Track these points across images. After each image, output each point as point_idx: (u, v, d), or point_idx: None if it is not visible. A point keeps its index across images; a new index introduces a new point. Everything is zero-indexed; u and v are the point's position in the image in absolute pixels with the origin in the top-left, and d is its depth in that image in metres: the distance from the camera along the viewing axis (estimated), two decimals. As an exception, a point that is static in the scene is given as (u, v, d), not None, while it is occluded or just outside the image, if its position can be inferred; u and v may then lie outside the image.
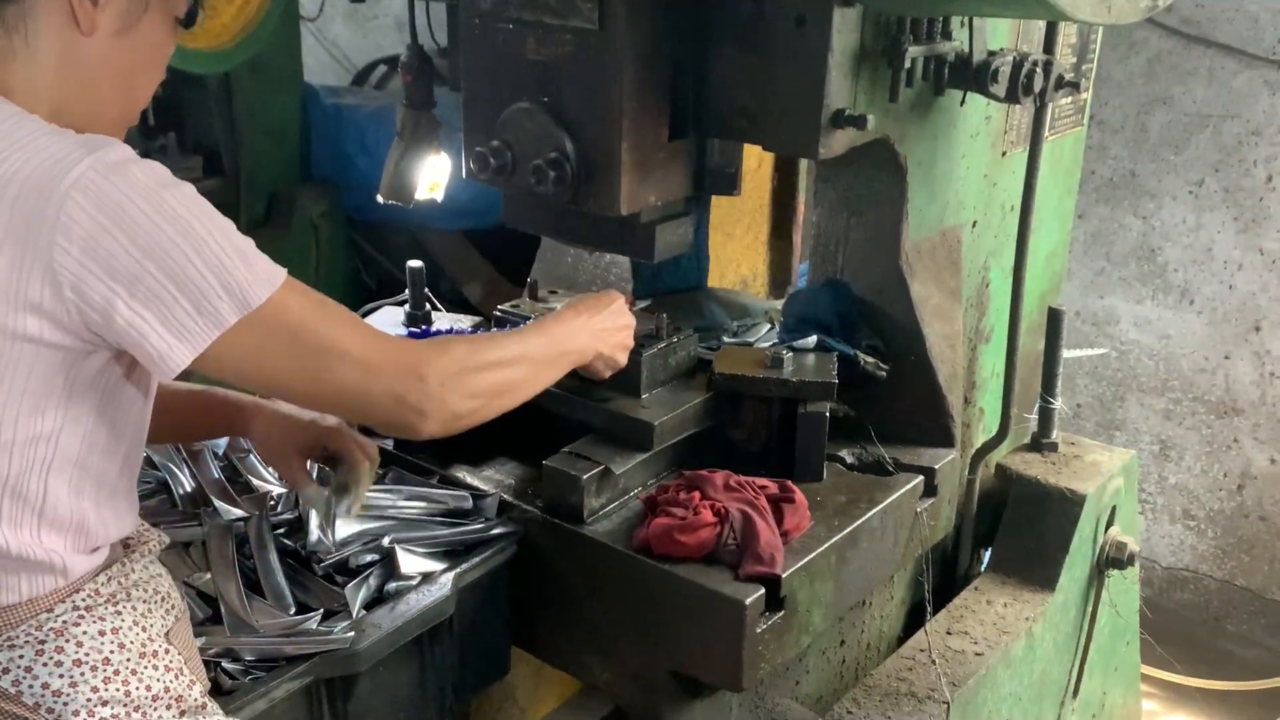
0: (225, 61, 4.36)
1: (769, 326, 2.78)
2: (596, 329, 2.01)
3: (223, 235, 1.42)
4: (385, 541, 2.09)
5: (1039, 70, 2.24)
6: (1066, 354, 2.85)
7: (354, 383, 1.56)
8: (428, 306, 2.61)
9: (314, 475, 2.08)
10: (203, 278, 1.39)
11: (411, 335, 2.49)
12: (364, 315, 2.67)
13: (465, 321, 2.58)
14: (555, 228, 2.32)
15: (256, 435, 2.07)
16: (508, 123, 2.15)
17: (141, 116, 4.53)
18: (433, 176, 2.59)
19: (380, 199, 2.60)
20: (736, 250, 3.57)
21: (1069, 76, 2.37)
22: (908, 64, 2.08)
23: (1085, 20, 1.80)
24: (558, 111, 2.09)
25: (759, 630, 1.99)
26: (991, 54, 2.21)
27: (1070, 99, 2.64)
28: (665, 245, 2.25)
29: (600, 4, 1.98)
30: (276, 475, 2.26)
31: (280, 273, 1.48)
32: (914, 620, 2.71)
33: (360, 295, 4.43)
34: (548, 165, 2.09)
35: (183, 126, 4.57)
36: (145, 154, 3.86)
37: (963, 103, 2.30)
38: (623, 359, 2.12)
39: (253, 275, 1.44)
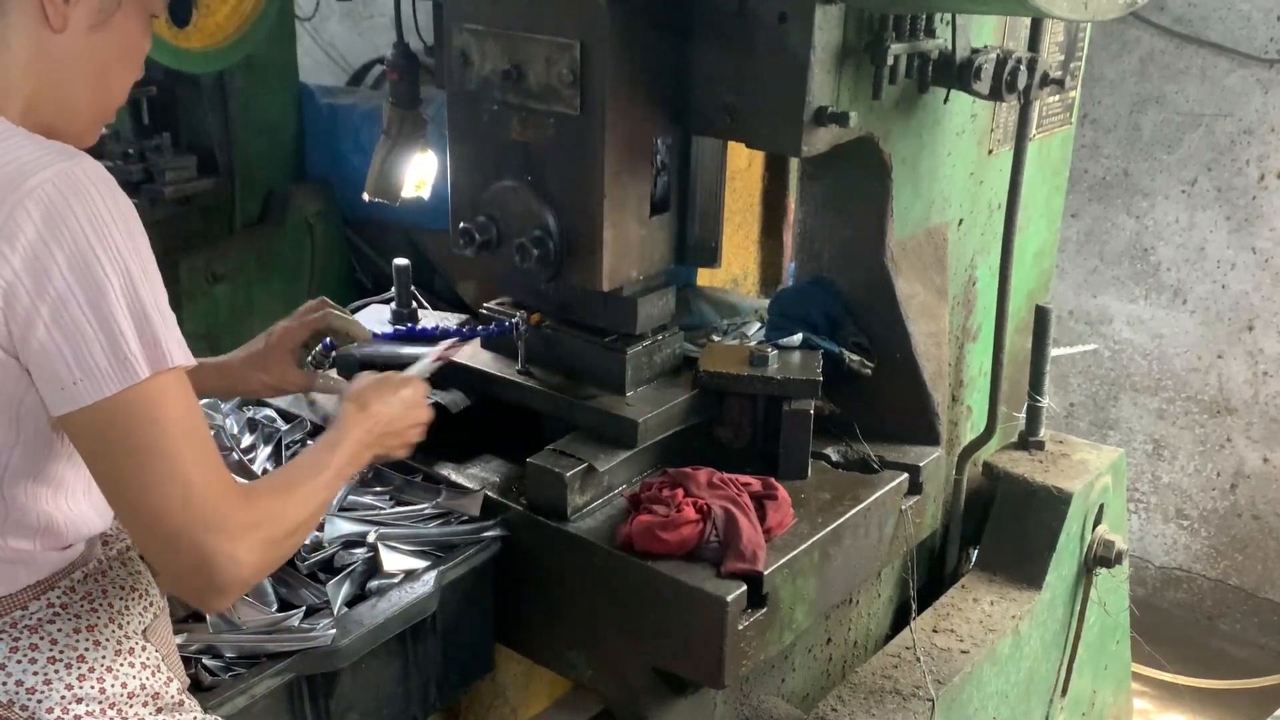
0: (220, 61, 4.36)
1: (758, 325, 2.78)
2: (380, 432, 1.82)
3: (153, 292, 1.37)
4: (370, 539, 2.10)
5: (1023, 68, 2.24)
6: (1055, 352, 2.85)
7: (172, 515, 1.38)
8: (414, 304, 2.61)
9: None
10: (125, 321, 1.34)
11: (398, 333, 2.49)
12: (352, 314, 2.66)
13: (451, 320, 2.58)
14: (540, 297, 2.41)
15: (261, 381, 2.12)
16: (492, 199, 2.23)
17: (136, 116, 4.53)
18: (419, 175, 2.59)
19: (366, 197, 2.60)
20: (727, 249, 3.54)
21: (1055, 74, 2.37)
22: (890, 61, 2.09)
23: (1062, 17, 1.80)
24: (541, 190, 2.17)
25: (741, 627, 1.99)
26: (975, 51, 2.21)
27: (1058, 97, 2.64)
28: (647, 317, 2.32)
29: (581, 91, 2.06)
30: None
31: (191, 360, 1.41)
32: (901, 618, 2.71)
33: (355, 293, 4.44)
34: (531, 244, 2.17)
35: (177, 126, 4.56)
36: (140, 153, 3.86)
37: (946, 100, 2.30)
38: (401, 453, 1.93)
39: (169, 341, 1.38)
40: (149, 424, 1.37)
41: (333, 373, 2.24)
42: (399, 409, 1.86)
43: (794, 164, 3.49)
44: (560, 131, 2.12)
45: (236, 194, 4.70)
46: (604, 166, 2.09)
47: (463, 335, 2.44)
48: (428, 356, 2.22)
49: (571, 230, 2.17)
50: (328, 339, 2.23)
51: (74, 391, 1.34)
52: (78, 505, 1.53)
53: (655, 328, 2.36)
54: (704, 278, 3.31)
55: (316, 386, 2.20)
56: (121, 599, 1.58)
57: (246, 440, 2.42)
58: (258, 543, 1.44)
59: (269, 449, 2.39)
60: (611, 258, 2.17)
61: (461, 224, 2.25)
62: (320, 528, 2.10)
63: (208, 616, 1.89)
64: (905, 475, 2.38)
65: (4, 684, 1.46)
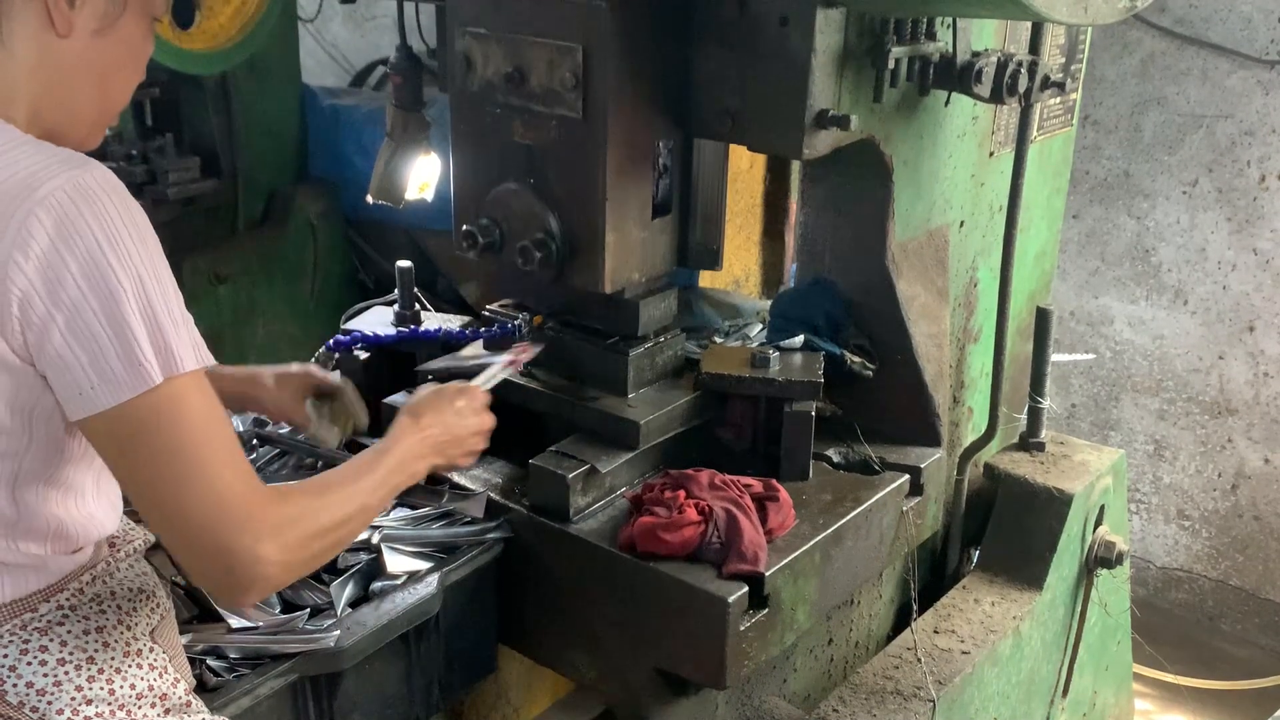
0: (223, 62, 4.38)
1: (760, 327, 2.79)
2: (435, 443, 1.84)
3: (166, 298, 1.38)
4: (373, 540, 2.11)
5: (1023, 71, 2.25)
6: (1055, 358, 2.86)
7: (200, 516, 1.40)
8: (417, 306, 2.62)
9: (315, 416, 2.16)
10: (139, 327, 1.35)
11: (400, 335, 2.50)
12: (354, 315, 2.68)
13: (454, 321, 2.59)
14: (542, 299, 2.42)
15: (269, 399, 2.13)
16: (495, 201, 2.23)
17: (139, 117, 4.54)
18: (422, 177, 2.60)
19: (370, 199, 2.61)
20: (729, 250, 3.55)
21: (1056, 77, 2.37)
22: (891, 64, 2.10)
23: (1062, 20, 1.81)
24: (543, 192, 2.18)
25: (742, 628, 2.00)
26: (976, 54, 2.22)
27: (1058, 99, 2.65)
28: (649, 319, 2.33)
29: (584, 95, 2.06)
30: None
31: (208, 360, 1.43)
32: (903, 619, 2.72)
33: (357, 294, 4.46)
34: (534, 245, 2.17)
35: (180, 127, 4.57)
36: (143, 154, 3.87)
37: (947, 103, 2.31)
38: (466, 462, 1.95)
39: (182, 345, 1.39)
40: (169, 427, 1.38)
41: (324, 422, 2.17)
42: (454, 418, 1.88)
43: (795, 166, 3.50)
44: (563, 134, 2.13)
45: (239, 195, 4.72)
46: (606, 169, 2.10)
47: (407, 337, 2.47)
48: (495, 364, 2.19)
49: (574, 233, 2.18)
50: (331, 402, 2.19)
51: (91, 397, 1.35)
52: (88, 508, 1.54)
53: (657, 329, 2.37)
54: (706, 279, 3.32)
55: (309, 431, 2.16)
56: (130, 600, 1.59)
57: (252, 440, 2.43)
58: (287, 542, 1.45)
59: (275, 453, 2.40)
60: (613, 260, 2.18)
61: (465, 226, 2.26)
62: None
63: (223, 613, 1.91)
64: (906, 476, 2.39)
65: (14, 685, 1.46)
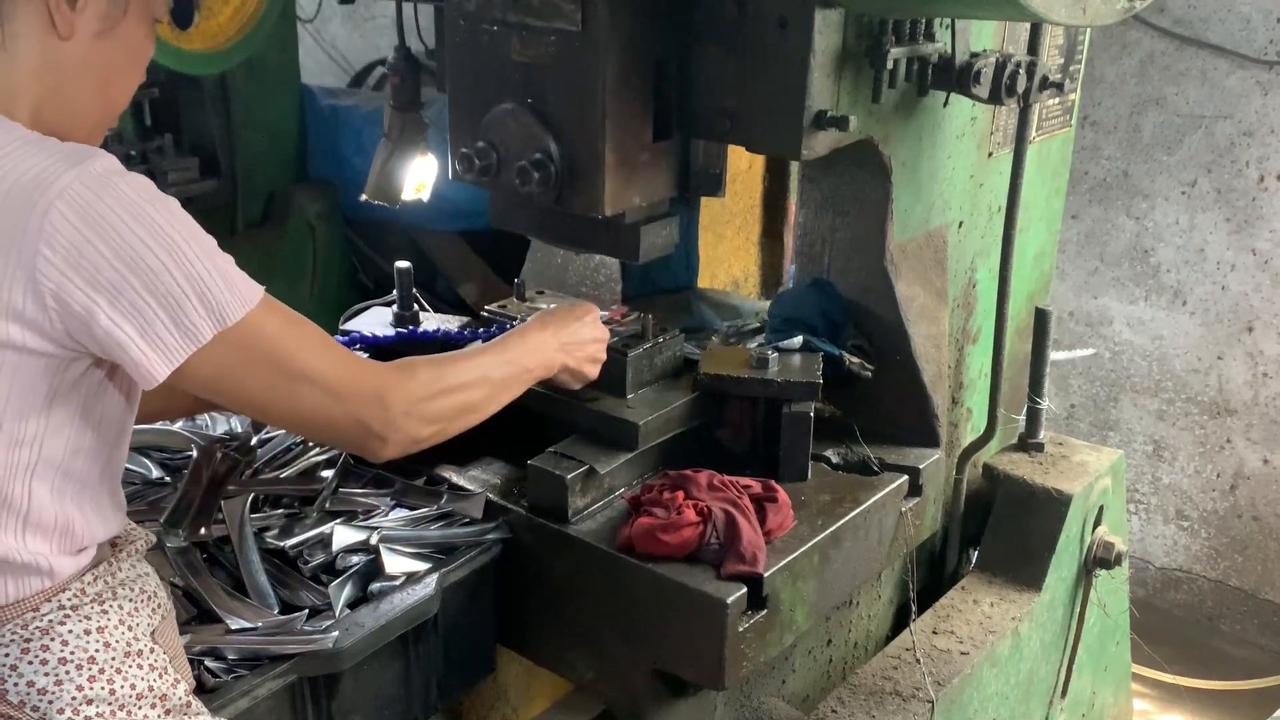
0: (222, 62, 4.38)
1: (759, 328, 2.79)
2: (563, 342, 2.02)
3: (204, 252, 1.45)
4: (372, 541, 2.11)
5: (1022, 71, 2.25)
6: (1055, 356, 2.86)
7: (321, 408, 1.60)
8: (415, 307, 2.62)
9: None
10: (182, 293, 1.42)
11: (399, 335, 2.50)
12: (353, 316, 2.68)
13: (453, 322, 2.59)
14: (540, 228, 2.34)
15: None
16: (492, 124, 2.16)
17: (138, 117, 4.55)
18: (419, 177, 2.60)
19: (366, 199, 2.61)
20: (727, 251, 3.58)
21: (1054, 77, 2.37)
22: (890, 65, 2.10)
23: (1060, 21, 1.81)
24: (542, 112, 2.11)
25: (741, 629, 2.00)
26: (975, 55, 2.22)
27: (1057, 100, 2.65)
28: (650, 246, 2.26)
29: (582, 6, 2.00)
30: None
31: (257, 291, 1.51)
32: (902, 620, 2.72)
33: (357, 294, 4.46)
34: (532, 166, 2.10)
35: (179, 127, 4.58)
36: (142, 155, 3.88)
37: (946, 104, 2.31)
38: (592, 371, 2.11)
39: (231, 293, 1.46)
40: (253, 359, 1.53)
41: None
42: (578, 325, 2.05)
43: (795, 166, 3.50)
44: (561, 50, 2.05)
45: (238, 195, 4.73)
46: (606, 86, 2.03)
47: (406, 338, 2.48)
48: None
49: (572, 153, 2.10)
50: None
51: (148, 368, 1.43)
52: (96, 507, 1.56)
53: (657, 329, 2.36)
54: (705, 280, 3.32)
55: None
56: (131, 601, 1.60)
57: (254, 439, 2.43)
58: (413, 398, 1.68)
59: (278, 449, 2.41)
60: (613, 182, 2.10)
61: (461, 149, 2.19)
62: (329, 536, 2.12)
63: (222, 614, 1.92)
64: (905, 477, 2.39)
65: (15, 685, 1.47)
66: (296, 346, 1.57)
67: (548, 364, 2.03)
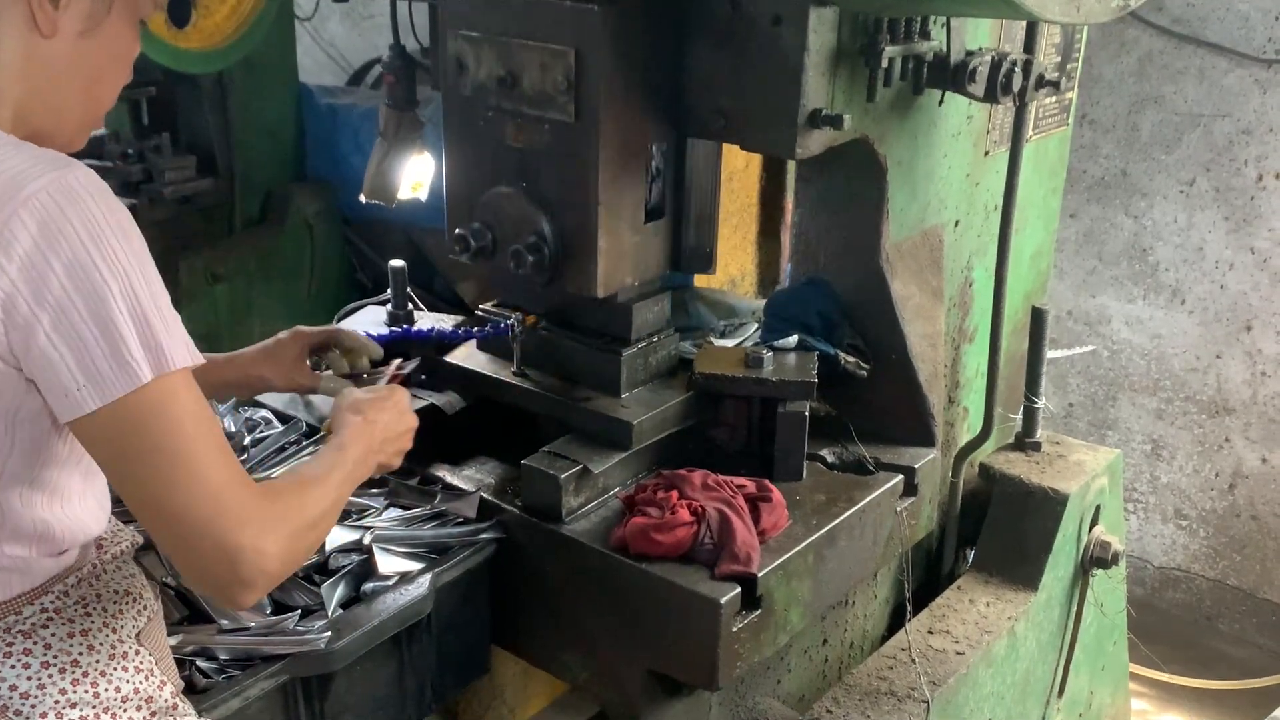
0: (219, 61, 4.37)
1: (756, 327, 2.78)
2: (381, 439, 1.85)
3: (153, 295, 1.38)
4: (365, 541, 2.10)
5: (1018, 70, 2.24)
6: (1054, 354, 2.85)
7: (197, 513, 1.40)
8: (410, 306, 2.62)
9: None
10: (126, 326, 1.34)
11: (394, 334, 2.49)
12: (347, 315, 2.67)
13: (447, 321, 2.58)
14: (538, 304, 2.41)
15: (274, 373, 2.20)
16: (488, 205, 2.23)
17: (135, 116, 4.52)
18: (415, 176, 2.60)
19: (363, 199, 2.61)
20: (725, 250, 3.57)
21: (1051, 76, 2.37)
22: (885, 64, 2.09)
23: (1054, 20, 1.80)
24: (536, 196, 2.18)
25: (735, 629, 2.00)
26: (970, 54, 2.21)
27: (1054, 98, 2.64)
28: (642, 323, 2.34)
29: (576, 98, 2.05)
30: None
31: (197, 359, 1.43)
32: (898, 619, 2.71)
33: (355, 293, 4.44)
34: (527, 250, 2.17)
35: (177, 126, 4.56)
36: (139, 154, 3.86)
37: (941, 102, 2.30)
38: (398, 462, 1.94)
39: (172, 341, 1.39)
40: (161, 426, 1.38)
41: (330, 374, 2.25)
42: (392, 416, 1.89)
43: (791, 165, 3.49)
44: (555, 138, 2.12)
45: (236, 194, 4.71)
46: (599, 173, 2.09)
47: (399, 337, 2.48)
48: (383, 378, 2.26)
49: (566, 237, 2.17)
50: (336, 351, 2.30)
51: (78, 398, 1.35)
52: (73, 511, 1.53)
53: (650, 332, 2.36)
54: (701, 279, 3.31)
55: (321, 388, 2.23)
56: (115, 603, 1.58)
57: (246, 439, 2.43)
58: (283, 536, 1.46)
59: (270, 450, 2.40)
60: (606, 264, 2.17)
61: (457, 230, 2.26)
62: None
63: (214, 614, 1.91)
64: (900, 477, 2.38)
65: (-3, 689, 1.46)
66: (205, 435, 1.42)
67: (367, 472, 1.84)
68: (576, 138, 2.09)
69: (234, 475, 1.44)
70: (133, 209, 3.92)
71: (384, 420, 1.86)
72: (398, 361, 2.32)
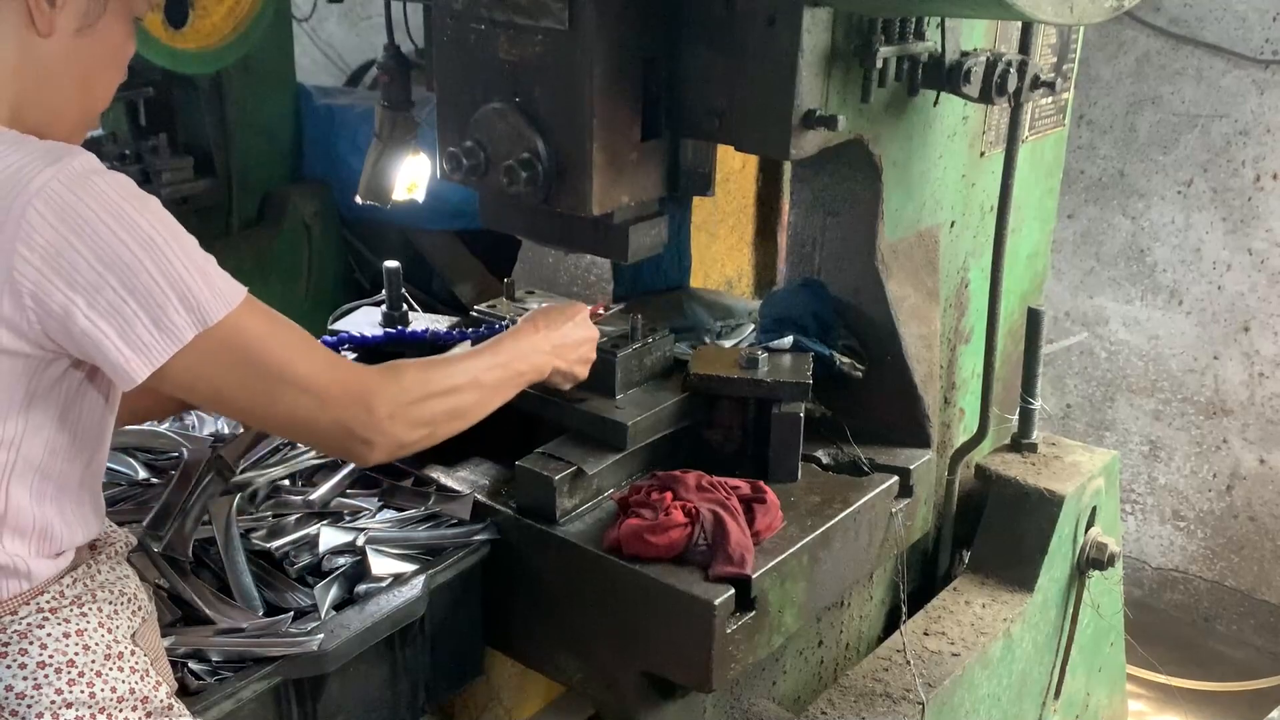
0: (216, 61, 4.37)
1: (753, 328, 2.78)
2: (554, 344, 1.99)
3: (184, 251, 1.43)
4: (358, 543, 2.10)
5: (1013, 70, 2.24)
6: (1048, 348, 2.84)
7: (303, 411, 1.56)
8: (405, 306, 2.61)
9: None
10: (162, 293, 1.40)
11: (389, 335, 2.49)
12: (342, 316, 2.67)
13: (442, 322, 2.58)
14: (530, 228, 2.33)
15: None
16: (480, 123, 2.15)
17: (133, 116, 4.52)
18: (411, 177, 2.59)
19: (358, 199, 2.61)
20: (720, 251, 3.57)
21: (1046, 76, 2.36)
22: (879, 64, 2.09)
23: (1047, 20, 1.80)
24: (530, 112, 2.09)
25: (729, 631, 1.99)
26: (965, 54, 2.21)
27: (1050, 99, 2.64)
28: (639, 246, 2.25)
29: (570, 4, 1.98)
30: None
31: (240, 292, 1.49)
32: (894, 621, 2.71)
33: (352, 294, 4.44)
34: (519, 165, 2.08)
35: (174, 126, 4.57)
36: (137, 154, 3.86)
37: (936, 103, 2.30)
38: (583, 372, 2.08)
39: (212, 293, 1.45)
40: (236, 360, 1.50)
41: None
42: (570, 326, 2.03)
43: (788, 166, 3.48)
44: (548, 49, 2.04)
45: (234, 195, 4.71)
46: (594, 85, 2.02)
47: (394, 338, 2.45)
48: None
49: (561, 153, 2.09)
50: None
51: (127, 370, 1.41)
52: (72, 509, 1.55)
53: (646, 329, 2.35)
54: (698, 279, 3.31)
55: None
56: (110, 604, 1.59)
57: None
58: (400, 402, 1.64)
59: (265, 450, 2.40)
60: (602, 182, 2.09)
61: (449, 149, 2.17)
62: (316, 538, 2.11)
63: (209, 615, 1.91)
64: (895, 478, 2.38)
65: (-8, 689, 1.46)
66: (279, 348, 1.54)
67: (539, 367, 2.00)
68: (571, 46, 2.01)
69: (329, 364, 1.60)
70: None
71: (560, 328, 1.99)
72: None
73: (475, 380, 1.81)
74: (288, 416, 1.57)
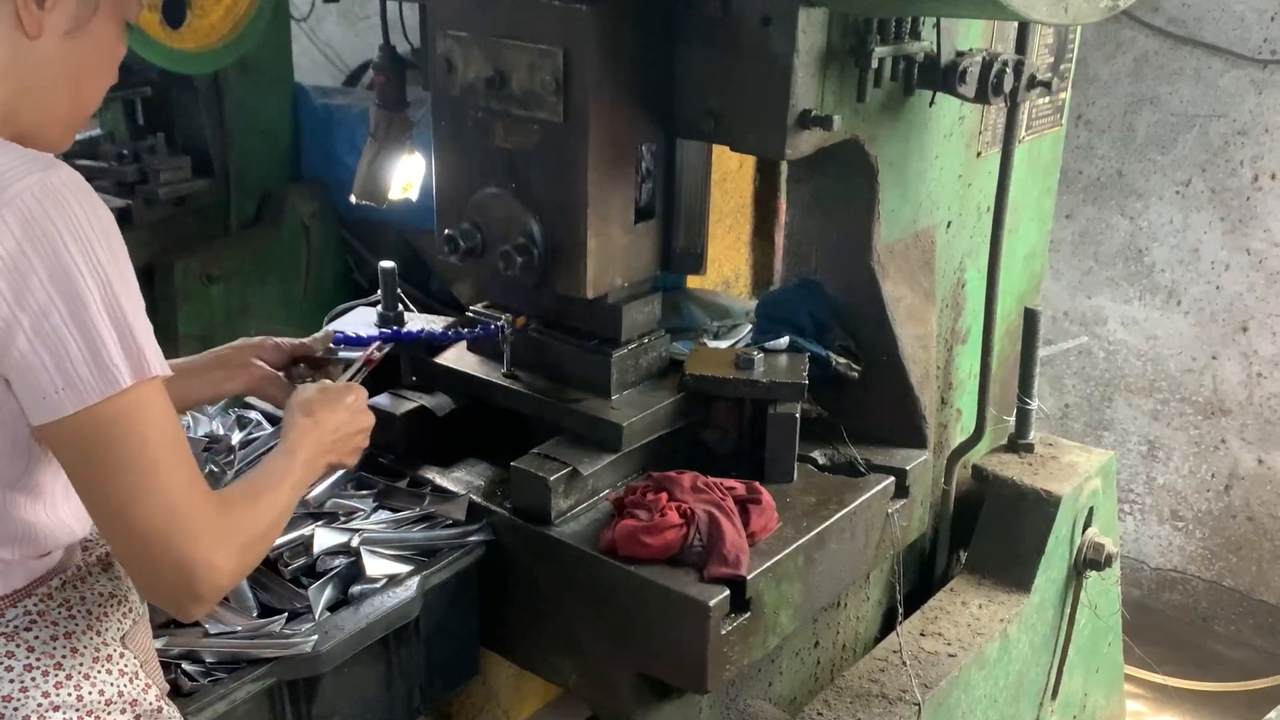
0: (214, 61, 4.36)
1: (749, 328, 2.77)
2: (331, 440, 1.82)
3: (132, 301, 1.38)
4: (353, 543, 2.09)
5: (1009, 70, 2.24)
6: (1046, 351, 2.84)
7: (155, 529, 1.40)
8: (400, 307, 2.60)
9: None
10: (107, 332, 1.35)
11: (384, 335, 2.49)
12: (337, 317, 2.66)
13: (437, 322, 2.57)
14: (528, 306, 2.40)
15: (247, 382, 2.12)
16: (477, 206, 2.22)
17: (130, 116, 4.51)
18: (406, 177, 2.59)
19: (353, 199, 2.60)
20: (718, 251, 3.57)
21: (1043, 76, 2.36)
22: (875, 64, 2.09)
23: (1041, 20, 1.80)
24: (525, 197, 2.17)
25: (724, 632, 1.99)
26: (961, 54, 2.21)
27: (1047, 99, 2.64)
28: (632, 324, 2.33)
29: (565, 98, 2.05)
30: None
31: (166, 369, 1.42)
32: (890, 621, 2.70)
33: (350, 294, 4.43)
34: (515, 251, 2.17)
35: (172, 126, 4.55)
36: (134, 154, 3.84)
37: (932, 103, 2.30)
38: (353, 461, 1.92)
39: (149, 349, 1.39)
40: (130, 434, 1.38)
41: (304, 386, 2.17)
42: (345, 416, 1.85)
43: (784, 166, 3.48)
44: (544, 138, 2.11)
45: (231, 195, 4.70)
46: (588, 173, 2.09)
47: (389, 338, 2.42)
48: (357, 361, 2.22)
49: (556, 237, 2.17)
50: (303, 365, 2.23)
51: (56, 401, 1.34)
52: (57, 514, 1.53)
53: (640, 334, 2.35)
54: (694, 280, 3.30)
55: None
56: (100, 605, 1.58)
57: (236, 437, 2.42)
58: (234, 549, 1.47)
59: (259, 450, 2.39)
60: (596, 265, 2.17)
61: (446, 230, 2.25)
62: (310, 539, 2.10)
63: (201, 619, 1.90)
64: (892, 479, 2.38)
65: (-21, 692, 1.45)
66: (170, 446, 1.42)
67: (316, 474, 1.83)
68: (565, 138, 2.09)
69: (194, 489, 1.44)
70: (127, 210, 3.96)
71: (335, 420, 1.82)
72: (372, 348, 2.28)
73: (285, 509, 1.65)
74: (140, 525, 1.40)
